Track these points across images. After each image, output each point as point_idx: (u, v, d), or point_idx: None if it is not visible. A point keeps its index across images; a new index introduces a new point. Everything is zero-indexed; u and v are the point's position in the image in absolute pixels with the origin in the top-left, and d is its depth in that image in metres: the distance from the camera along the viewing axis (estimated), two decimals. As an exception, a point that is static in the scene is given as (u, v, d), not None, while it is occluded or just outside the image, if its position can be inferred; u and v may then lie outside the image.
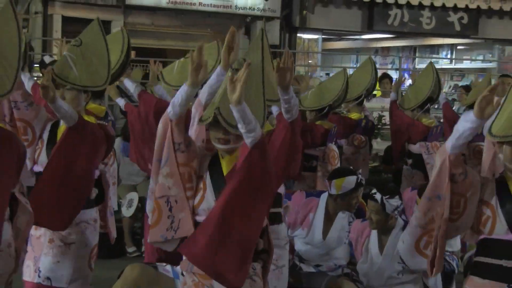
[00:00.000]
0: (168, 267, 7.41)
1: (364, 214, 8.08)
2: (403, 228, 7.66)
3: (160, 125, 5.22)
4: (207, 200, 5.20)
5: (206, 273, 5.16)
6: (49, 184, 6.37)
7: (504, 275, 5.04)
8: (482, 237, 5.10)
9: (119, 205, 9.65)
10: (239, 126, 4.93)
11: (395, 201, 7.66)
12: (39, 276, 6.12)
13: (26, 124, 6.28)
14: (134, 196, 10.52)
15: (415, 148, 10.73)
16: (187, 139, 5.21)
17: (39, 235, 6.30)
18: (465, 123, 4.84)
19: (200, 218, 5.21)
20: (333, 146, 10.03)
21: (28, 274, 6.34)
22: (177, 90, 6.23)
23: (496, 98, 5.00)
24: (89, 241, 6.55)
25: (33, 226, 5.80)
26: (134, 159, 8.41)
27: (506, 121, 4.90)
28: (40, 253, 6.19)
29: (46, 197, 6.29)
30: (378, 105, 16.11)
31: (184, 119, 5.17)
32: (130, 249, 11.31)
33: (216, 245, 5.04)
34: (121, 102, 9.33)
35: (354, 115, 11.55)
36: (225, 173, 5.23)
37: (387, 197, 7.61)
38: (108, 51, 6.82)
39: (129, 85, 8.96)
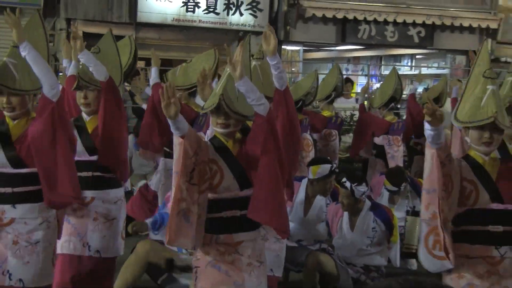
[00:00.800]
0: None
1: (338, 196, 8.16)
2: (370, 209, 7.90)
3: (175, 150, 5.13)
4: (226, 179, 5.17)
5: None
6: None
7: (491, 239, 5.08)
8: (465, 209, 5.10)
9: (133, 191, 9.65)
10: (249, 99, 5.03)
11: (362, 188, 7.86)
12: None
13: None
14: (144, 183, 10.45)
15: (379, 140, 10.82)
16: (199, 143, 5.06)
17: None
18: (428, 131, 4.83)
19: (220, 196, 5.20)
20: (307, 135, 10.15)
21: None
22: (179, 89, 6.35)
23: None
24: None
25: None
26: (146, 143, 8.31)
27: (470, 109, 5.04)
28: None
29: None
30: (350, 105, 16.16)
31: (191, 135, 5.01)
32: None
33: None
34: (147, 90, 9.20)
35: (326, 113, 11.57)
36: (234, 154, 5.23)
37: (355, 184, 7.79)
38: (119, 56, 6.88)
39: (154, 73, 8.81)
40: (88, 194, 6.48)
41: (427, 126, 4.81)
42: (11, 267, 5.37)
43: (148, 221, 7.40)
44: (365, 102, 12.02)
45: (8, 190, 5.47)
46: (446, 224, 5.03)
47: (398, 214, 8.66)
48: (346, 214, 8.02)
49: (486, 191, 5.08)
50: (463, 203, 5.10)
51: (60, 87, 5.81)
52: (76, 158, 6.33)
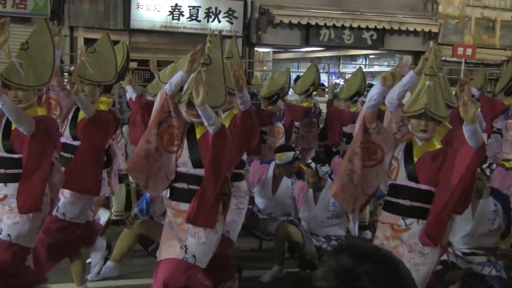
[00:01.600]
0: (160, 217, 7.62)
1: (303, 175, 8.20)
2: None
3: (157, 98, 5.40)
4: (183, 156, 5.36)
5: (201, 223, 5.34)
6: (83, 157, 6.43)
7: (399, 210, 5.23)
8: (390, 182, 5.28)
9: (127, 175, 9.61)
10: (205, 122, 5.20)
11: (325, 168, 8.00)
12: None
13: (57, 103, 6.28)
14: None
15: (347, 129, 10.83)
16: (177, 110, 5.37)
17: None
18: (374, 89, 5.14)
19: (179, 169, 5.42)
20: (279, 124, 10.16)
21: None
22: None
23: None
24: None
25: None
26: (133, 142, 8.34)
27: (411, 101, 5.17)
28: None
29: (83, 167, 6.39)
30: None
31: (175, 96, 5.34)
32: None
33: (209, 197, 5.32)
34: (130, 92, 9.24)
35: (305, 104, 11.48)
36: (197, 137, 5.37)
37: (319, 165, 7.93)
38: (115, 56, 6.87)
39: (129, 90, 9.01)
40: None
41: (376, 84, 5.12)
42: (4, 225, 5.41)
43: (136, 210, 7.79)
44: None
45: (1, 171, 5.49)
46: (368, 189, 5.33)
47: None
48: (310, 190, 8.05)
49: (405, 170, 5.21)
50: (389, 176, 5.27)
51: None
52: (64, 141, 6.56)
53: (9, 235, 5.40)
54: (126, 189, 9.75)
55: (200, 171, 5.35)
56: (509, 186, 8.66)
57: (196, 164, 5.36)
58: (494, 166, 7.42)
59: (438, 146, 5.29)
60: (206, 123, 5.20)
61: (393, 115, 5.48)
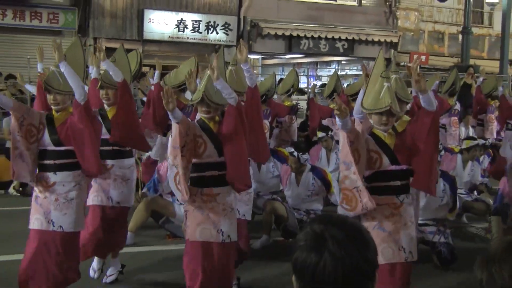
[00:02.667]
0: (168, 195, 7.61)
1: (285, 160, 8.24)
2: (310, 170, 8.06)
3: (172, 130, 5.09)
4: (209, 149, 5.16)
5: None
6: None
7: (392, 190, 5.15)
8: (373, 171, 5.14)
9: (141, 159, 9.54)
10: (224, 94, 5.15)
11: (305, 156, 8.14)
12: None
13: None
14: (147, 155, 10.29)
15: (325, 122, 10.79)
16: (187, 127, 5.08)
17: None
18: (337, 121, 4.92)
19: (204, 160, 5.20)
20: (265, 121, 10.11)
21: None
22: (172, 87, 6.32)
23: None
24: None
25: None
26: (146, 125, 8.13)
27: (372, 100, 5.09)
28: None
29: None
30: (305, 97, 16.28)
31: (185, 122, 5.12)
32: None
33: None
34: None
35: (287, 103, 11.50)
36: (215, 131, 5.21)
37: (300, 153, 8.01)
38: (129, 64, 6.86)
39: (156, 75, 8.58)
40: (109, 162, 6.41)
41: (337, 118, 4.88)
42: (54, 217, 5.31)
43: (145, 189, 7.84)
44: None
45: (51, 162, 5.41)
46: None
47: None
48: (293, 174, 8.06)
49: (387, 157, 5.11)
50: (371, 167, 5.12)
51: (87, 88, 5.81)
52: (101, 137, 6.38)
53: (61, 226, 5.32)
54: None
55: (224, 158, 5.23)
56: (453, 167, 8.96)
57: (221, 152, 5.21)
58: (442, 152, 7.60)
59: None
60: (226, 95, 5.13)
61: (364, 124, 5.45)
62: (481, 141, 9.62)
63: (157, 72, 8.13)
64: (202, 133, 5.18)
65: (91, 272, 6.40)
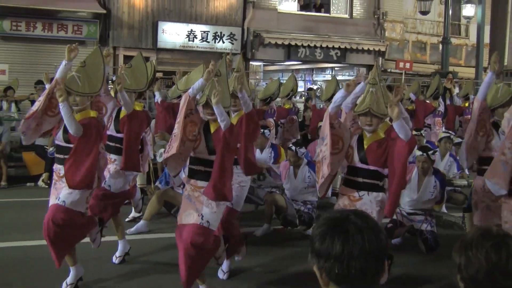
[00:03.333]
0: (178, 188, 7.65)
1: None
2: (306, 164, 8.00)
3: (182, 99, 5.32)
4: (201, 145, 5.22)
5: (214, 197, 5.19)
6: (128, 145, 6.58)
7: (355, 185, 5.24)
8: (347, 165, 5.26)
9: (155, 156, 9.54)
10: (218, 117, 5.11)
11: (303, 150, 8.04)
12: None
13: (103, 105, 6.16)
14: (162, 150, 10.30)
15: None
16: (196, 109, 5.29)
17: None
18: (339, 94, 5.17)
19: (197, 155, 5.27)
20: (270, 119, 10.18)
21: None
22: (184, 92, 6.32)
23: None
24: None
25: None
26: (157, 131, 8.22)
27: (359, 104, 5.19)
28: None
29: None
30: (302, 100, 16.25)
31: (195, 98, 5.28)
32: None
33: (221, 177, 5.19)
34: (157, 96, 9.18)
35: (287, 106, 11.59)
36: (212, 131, 5.23)
37: (298, 147, 7.96)
38: (147, 70, 6.91)
39: (157, 95, 9.02)
40: (112, 156, 6.67)
41: (341, 91, 5.10)
42: (61, 194, 5.37)
43: (157, 182, 8.03)
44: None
45: (61, 156, 5.47)
46: (333, 171, 5.21)
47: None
48: (292, 167, 8.01)
49: (357, 155, 5.17)
50: (347, 159, 5.22)
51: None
52: (110, 133, 6.76)
53: (64, 201, 5.34)
54: (154, 168, 9.67)
55: (214, 157, 5.23)
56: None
57: (211, 152, 5.22)
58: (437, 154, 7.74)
59: (382, 136, 5.25)
60: (219, 119, 5.10)
61: (347, 116, 5.47)
62: (451, 134, 9.79)
63: (157, 93, 8.87)
64: (201, 130, 5.26)
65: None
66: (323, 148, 5.16)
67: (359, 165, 5.19)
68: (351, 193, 5.24)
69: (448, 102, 12.95)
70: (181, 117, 5.14)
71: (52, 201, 5.41)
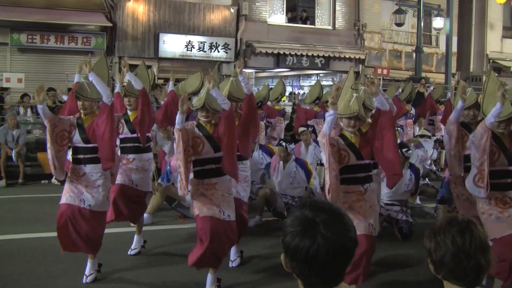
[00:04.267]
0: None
1: (271, 154, 8.29)
2: (294, 160, 7.98)
3: (175, 135, 5.03)
4: (206, 147, 5.10)
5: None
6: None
7: (358, 181, 5.09)
8: (342, 166, 5.02)
9: (155, 155, 9.51)
10: (218, 100, 5.08)
11: (292, 146, 7.98)
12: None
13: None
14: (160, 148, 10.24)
15: (311, 122, 10.79)
16: (188, 134, 5.05)
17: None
18: (329, 117, 4.82)
19: (203, 156, 5.15)
20: (261, 123, 10.13)
21: None
22: (180, 96, 6.25)
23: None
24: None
25: None
26: (160, 124, 7.92)
27: (343, 107, 5.05)
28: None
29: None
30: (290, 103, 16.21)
31: (184, 126, 5.01)
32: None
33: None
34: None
35: (277, 107, 11.56)
36: (211, 132, 5.14)
37: (288, 143, 7.94)
38: (149, 77, 6.88)
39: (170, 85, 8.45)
40: (131, 156, 6.46)
41: (330, 111, 4.79)
42: (85, 198, 5.32)
43: (159, 180, 7.83)
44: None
45: (82, 156, 5.41)
46: (336, 175, 5.02)
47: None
48: (281, 162, 7.98)
49: (354, 154, 5.04)
50: (341, 163, 5.03)
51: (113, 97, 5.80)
52: (124, 136, 6.51)
53: (90, 205, 5.32)
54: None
55: (219, 154, 5.17)
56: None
57: (216, 149, 5.15)
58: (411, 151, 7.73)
59: (364, 131, 5.17)
60: (220, 101, 5.05)
61: (334, 132, 5.29)
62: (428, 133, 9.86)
63: (171, 83, 8.11)
64: (200, 134, 5.14)
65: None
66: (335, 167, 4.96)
67: (357, 162, 5.07)
68: (356, 189, 5.09)
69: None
70: (181, 153, 4.93)
71: (71, 200, 5.30)
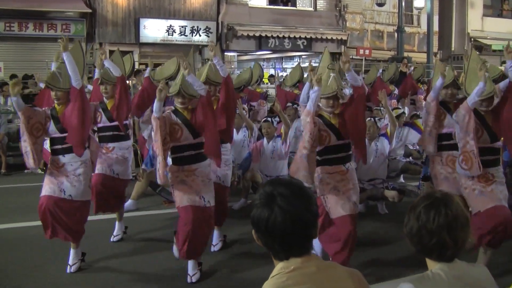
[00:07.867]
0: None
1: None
2: (278, 136, 7.83)
3: (153, 124, 4.97)
4: (185, 134, 5.03)
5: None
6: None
7: (340, 161, 5.11)
8: (323, 146, 5.05)
9: (137, 141, 9.45)
10: (195, 86, 5.07)
11: (277, 119, 7.93)
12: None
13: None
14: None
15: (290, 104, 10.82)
16: (164, 121, 4.96)
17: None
18: (313, 93, 4.90)
19: (182, 143, 5.08)
20: (244, 106, 10.04)
21: None
22: (157, 82, 6.18)
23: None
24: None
25: None
26: (134, 111, 7.83)
27: (323, 87, 5.02)
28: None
29: None
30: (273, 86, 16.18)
31: (161, 114, 4.93)
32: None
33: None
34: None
35: (258, 90, 11.53)
36: (188, 118, 5.07)
37: (273, 118, 7.97)
38: (124, 65, 6.66)
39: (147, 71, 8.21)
40: (111, 144, 6.36)
41: (315, 87, 4.84)
42: (65, 187, 5.25)
43: (143, 165, 7.67)
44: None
45: (59, 146, 5.32)
46: (311, 155, 5.00)
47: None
48: (265, 141, 7.81)
49: (334, 135, 5.05)
50: (322, 143, 5.04)
51: (90, 87, 5.67)
52: (102, 125, 6.33)
53: (70, 195, 5.26)
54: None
55: (198, 140, 5.13)
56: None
57: (195, 135, 5.10)
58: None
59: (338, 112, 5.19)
60: (196, 87, 5.03)
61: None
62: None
63: (148, 69, 8.03)
64: (177, 120, 5.06)
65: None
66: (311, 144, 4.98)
67: (338, 142, 5.08)
68: (339, 169, 5.10)
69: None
70: (159, 141, 4.87)
71: (51, 191, 5.24)
